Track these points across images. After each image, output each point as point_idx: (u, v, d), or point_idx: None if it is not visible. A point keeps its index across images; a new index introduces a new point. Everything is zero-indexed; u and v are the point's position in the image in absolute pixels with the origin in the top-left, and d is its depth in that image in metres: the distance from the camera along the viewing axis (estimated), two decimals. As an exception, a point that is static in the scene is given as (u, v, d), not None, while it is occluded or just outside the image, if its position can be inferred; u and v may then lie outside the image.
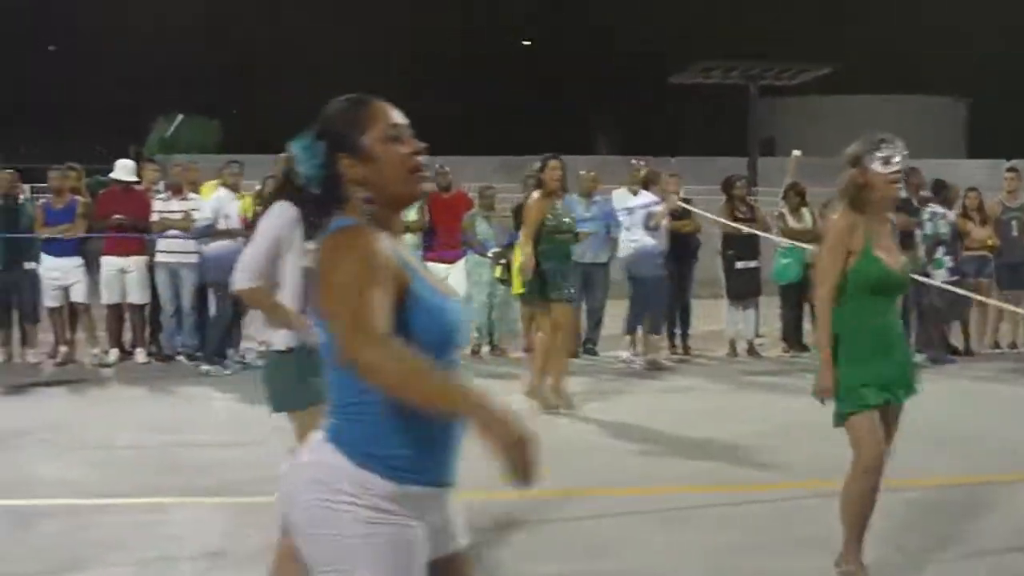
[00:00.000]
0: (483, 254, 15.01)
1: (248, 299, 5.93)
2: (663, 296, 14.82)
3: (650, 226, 14.60)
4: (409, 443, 3.28)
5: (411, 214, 15.13)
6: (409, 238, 15.15)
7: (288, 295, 5.70)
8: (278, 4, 42.91)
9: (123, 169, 15.09)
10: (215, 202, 14.18)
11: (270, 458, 9.39)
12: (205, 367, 13.95)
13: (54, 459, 9.58)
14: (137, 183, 15.21)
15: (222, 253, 13.64)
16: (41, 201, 15.54)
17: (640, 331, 14.93)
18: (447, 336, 3.38)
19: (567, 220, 12.07)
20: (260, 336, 6.01)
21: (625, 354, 14.83)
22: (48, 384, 13.48)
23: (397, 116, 3.46)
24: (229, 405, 12.18)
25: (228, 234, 13.99)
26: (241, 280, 5.77)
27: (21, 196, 15.43)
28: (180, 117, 35.98)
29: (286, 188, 5.78)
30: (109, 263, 14.72)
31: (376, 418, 3.26)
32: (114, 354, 14.81)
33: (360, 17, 43.24)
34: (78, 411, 11.86)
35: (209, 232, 14.03)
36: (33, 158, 28.44)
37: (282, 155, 15.27)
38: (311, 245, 3.30)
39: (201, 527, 7.58)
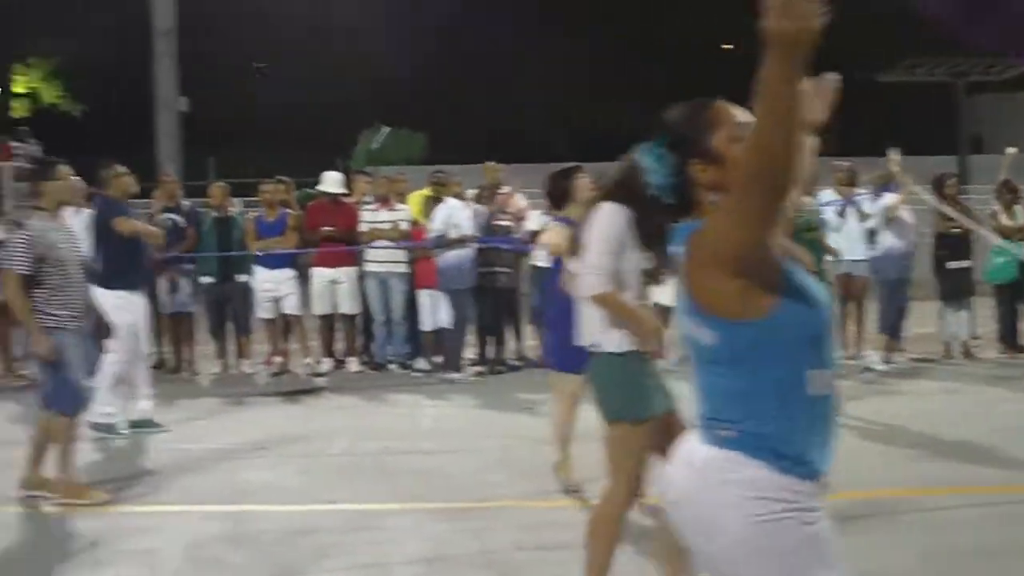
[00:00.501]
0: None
1: (601, 304, 5.70)
2: (906, 298, 14.59)
3: (888, 217, 14.41)
4: (811, 440, 3.18)
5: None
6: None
7: (630, 296, 5.67)
8: (487, 18, 43.14)
9: (331, 181, 15.31)
10: (445, 212, 14.25)
11: (483, 464, 9.53)
12: (451, 375, 14.09)
13: (271, 467, 9.74)
14: (345, 195, 15.42)
15: (455, 262, 13.93)
16: (253, 215, 15.82)
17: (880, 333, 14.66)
18: (823, 329, 3.26)
19: (809, 218, 12.01)
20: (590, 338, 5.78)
21: (876, 356, 14.47)
22: (263, 394, 13.71)
23: (740, 115, 3.37)
24: (442, 412, 12.27)
25: (460, 242, 14.11)
26: (594, 285, 5.65)
27: (233, 210, 15.76)
28: (386, 130, 36.50)
29: (618, 192, 5.72)
30: (320, 274, 14.97)
31: (786, 418, 3.16)
32: (327, 364, 15.05)
33: (571, 28, 43.29)
34: (293, 420, 12.02)
35: (441, 243, 14.12)
36: (244, 173, 29.07)
37: (490, 163, 15.65)
38: (672, 249, 3.21)
39: (416, 533, 7.59)
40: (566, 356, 7.94)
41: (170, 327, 15.35)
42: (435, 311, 14.63)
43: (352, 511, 8.15)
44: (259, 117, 43.65)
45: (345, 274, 14.88)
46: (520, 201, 15.65)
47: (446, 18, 42.19)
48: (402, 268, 14.78)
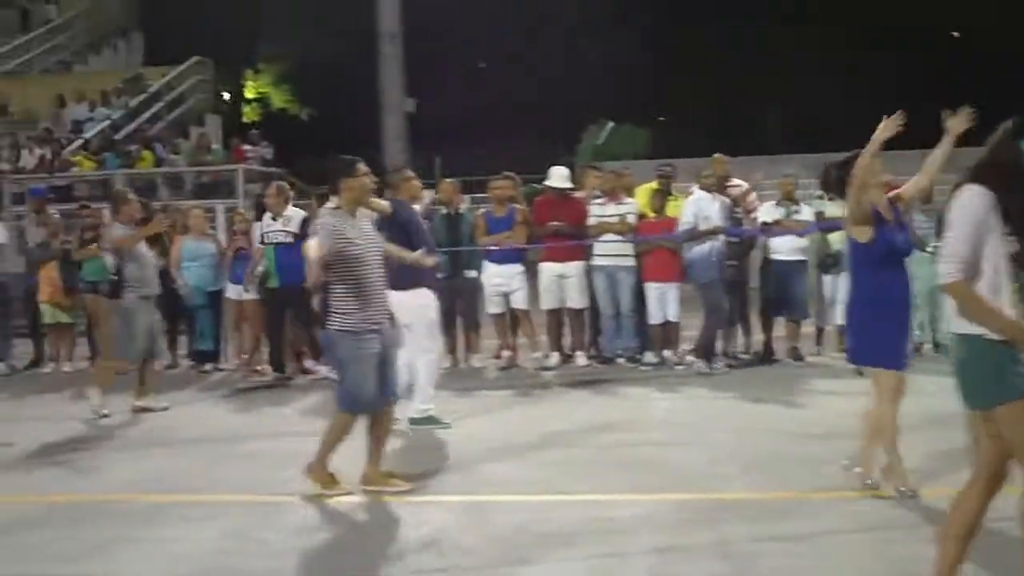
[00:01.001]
0: (922, 248, 14.56)
1: (953, 294, 5.38)
2: None
3: None
4: None
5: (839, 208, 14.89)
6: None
7: (985, 286, 5.34)
8: (708, 11, 42.87)
9: (558, 176, 15.37)
10: (694, 204, 14.22)
11: (716, 456, 9.48)
12: (701, 365, 14.08)
13: (507, 458, 9.82)
14: (572, 190, 15.48)
15: (704, 254, 13.99)
16: (481, 210, 16.00)
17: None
18: None
19: None
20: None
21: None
22: (492, 388, 13.85)
23: None
24: (672, 405, 12.26)
25: (710, 234, 14.09)
26: (948, 273, 5.32)
27: (462, 206, 15.95)
28: (611, 125, 36.55)
29: (985, 173, 5.40)
30: (548, 269, 15.05)
31: None
32: (555, 358, 15.11)
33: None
34: (523, 414, 12.13)
35: (692, 235, 14.08)
36: (469, 171, 29.43)
37: (718, 155, 15.55)
38: None
39: (650, 523, 7.58)
40: (881, 350, 7.92)
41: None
42: (663, 304, 14.60)
43: (587, 502, 8.19)
44: (483, 116, 44.12)
45: (573, 268, 14.94)
46: (751, 193, 15.53)
47: (668, 13, 42.10)
48: (630, 261, 14.77)
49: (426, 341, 11.02)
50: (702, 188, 14.43)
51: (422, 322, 10.93)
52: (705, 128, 38.78)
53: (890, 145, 7.90)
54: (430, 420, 11.13)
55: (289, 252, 14.29)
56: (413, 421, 10.96)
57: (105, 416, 12.56)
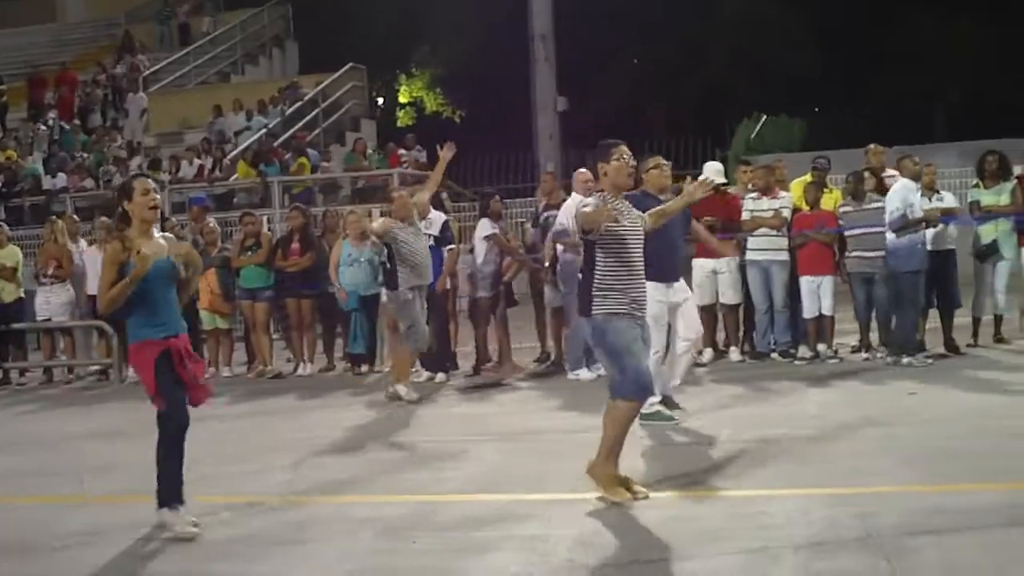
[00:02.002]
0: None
1: None
2: None
3: None
4: None
5: (1003, 197, 14.62)
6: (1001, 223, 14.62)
7: None
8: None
9: (712, 171, 15.25)
10: (901, 193, 13.99)
11: (867, 449, 9.37)
12: (907, 359, 13.82)
13: (656, 455, 9.81)
14: (725, 184, 15.37)
15: (908, 243, 13.82)
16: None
17: None
18: None
19: None
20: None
21: None
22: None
23: None
24: (825, 399, 12.15)
25: (920, 223, 13.96)
26: None
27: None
28: (764, 118, 36.22)
29: None
30: (701, 265, 14.98)
31: None
32: (708, 354, 15.03)
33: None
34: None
35: (905, 224, 13.87)
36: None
37: (873, 146, 15.37)
38: None
39: (801, 517, 7.50)
40: None
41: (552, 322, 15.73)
42: (817, 298, 14.46)
43: (736, 497, 8.14)
44: (636, 113, 44.03)
45: (726, 264, 14.84)
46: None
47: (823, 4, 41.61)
48: (783, 256, 14.64)
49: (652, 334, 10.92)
50: (907, 176, 14.27)
51: (683, 307, 11.04)
52: (864, 118, 38.23)
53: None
54: (658, 415, 10.95)
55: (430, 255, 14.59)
56: (643, 416, 10.43)
57: (416, 400, 13.41)
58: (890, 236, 13.95)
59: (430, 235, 14.88)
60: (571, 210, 14.08)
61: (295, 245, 16.74)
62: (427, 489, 9.10)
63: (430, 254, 14.18)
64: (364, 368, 16.36)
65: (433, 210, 15.25)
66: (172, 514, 7.98)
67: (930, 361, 13.83)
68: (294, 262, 16.58)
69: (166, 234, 8.40)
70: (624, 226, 8.21)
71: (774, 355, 14.82)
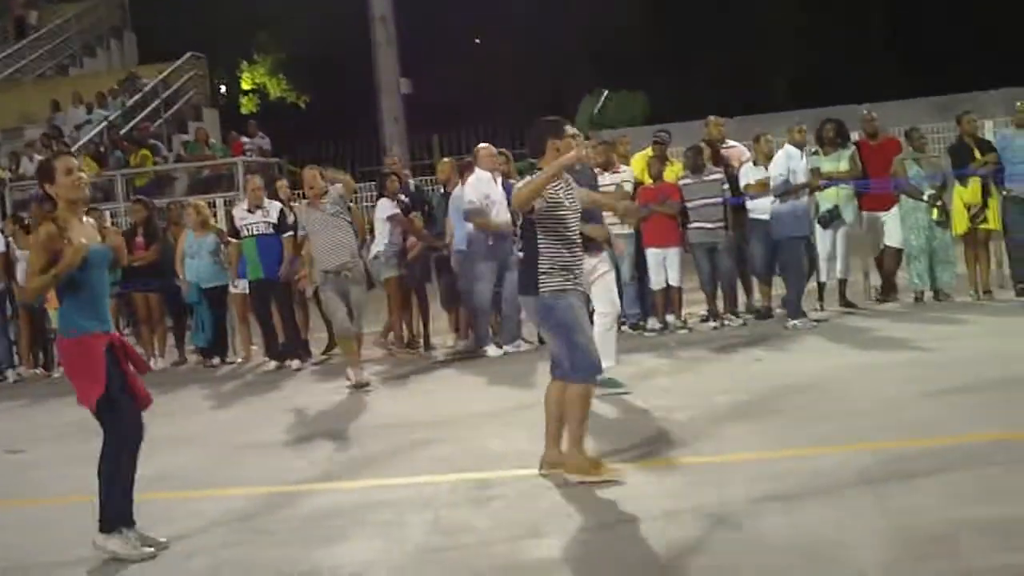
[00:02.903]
0: (918, 197, 14.71)
1: None
2: None
3: None
4: None
5: (842, 164, 14.91)
6: (842, 188, 14.92)
7: None
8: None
9: (553, 149, 15.35)
10: (784, 159, 14.27)
11: (717, 416, 9.48)
12: (791, 323, 14.07)
13: (503, 433, 9.89)
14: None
15: (791, 209, 14.13)
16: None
17: None
18: None
19: None
20: None
21: None
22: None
23: None
24: (674, 368, 12.24)
25: (802, 189, 14.28)
26: None
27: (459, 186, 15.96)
28: (606, 93, 36.45)
29: None
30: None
31: None
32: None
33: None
34: (520, 387, 12.14)
35: (787, 190, 14.13)
36: (469, 148, 29.35)
37: (712, 117, 15.61)
38: None
39: (655, 488, 7.62)
40: None
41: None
42: (664, 269, 14.64)
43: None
44: (480, 92, 44.01)
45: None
46: (743, 154, 15.58)
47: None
48: (627, 229, 14.76)
49: (600, 303, 10.90)
50: (791, 143, 14.54)
51: (599, 282, 10.90)
52: (706, 89, 38.61)
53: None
54: (610, 383, 10.75)
55: (269, 243, 14.52)
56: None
57: (365, 385, 12.99)
58: (773, 202, 14.26)
59: (268, 223, 14.87)
60: (477, 187, 14.14)
61: (139, 239, 16.50)
62: (280, 479, 9.06)
63: (333, 234, 13.25)
64: (216, 360, 16.22)
65: (267, 200, 15.23)
66: (121, 541, 7.23)
67: (814, 324, 14.05)
68: (139, 256, 16.33)
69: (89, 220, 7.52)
70: (564, 203, 8.10)
71: (624, 328, 14.94)
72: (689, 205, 14.64)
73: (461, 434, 10.07)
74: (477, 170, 14.52)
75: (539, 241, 8.08)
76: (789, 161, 14.18)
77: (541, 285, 8.04)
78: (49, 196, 7.28)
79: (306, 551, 7.09)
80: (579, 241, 8.25)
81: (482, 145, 14.88)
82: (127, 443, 7.24)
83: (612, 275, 11.20)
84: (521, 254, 8.42)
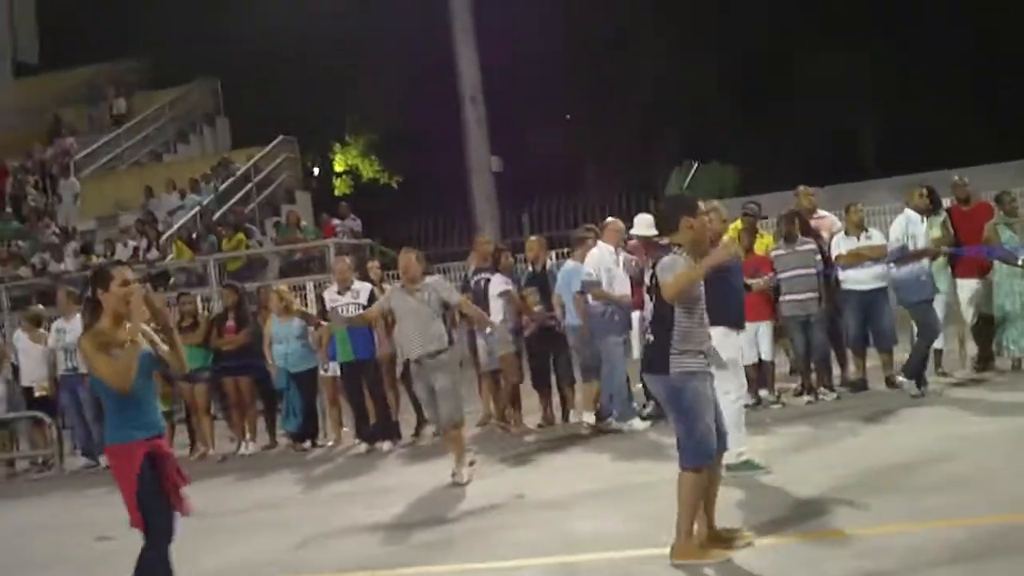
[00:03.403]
0: (1012, 262, 14.41)
1: None
2: None
3: None
4: None
5: (934, 231, 14.64)
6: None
7: None
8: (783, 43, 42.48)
9: (643, 224, 15.22)
10: (903, 223, 14.05)
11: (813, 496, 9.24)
12: (910, 386, 13.76)
13: (596, 515, 9.70)
14: (659, 236, 15.32)
15: (912, 274, 13.91)
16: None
17: None
18: None
19: None
20: None
21: None
22: (590, 448, 13.75)
23: None
24: (769, 445, 12.00)
25: (923, 255, 14.05)
26: None
27: (549, 263, 15.94)
28: (696, 165, 36.39)
29: None
30: (639, 317, 14.83)
31: None
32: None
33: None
34: (617, 467, 11.96)
35: (904, 255, 13.92)
36: (558, 224, 29.44)
37: (802, 187, 15.43)
38: None
39: (741, 571, 7.41)
40: None
41: (494, 383, 15.66)
42: (755, 343, 14.41)
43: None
44: (568, 169, 44.15)
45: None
46: (834, 224, 15.36)
47: (747, 47, 41.84)
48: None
49: (728, 382, 10.37)
50: (912, 208, 14.36)
51: (728, 360, 10.44)
52: (795, 160, 38.40)
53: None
54: (747, 465, 10.57)
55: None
56: (729, 467, 10.18)
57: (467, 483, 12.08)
58: (890, 268, 14.06)
59: (359, 304, 14.84)
60: (600, 260, 14.05)
61: (230, 323, 16.59)
62: (369, 564, 8.97)
63: (422, 323, 12.42)
64: (307, 444, 16.20)
65: (357, 281, 15.25)
66: None
67: (922, 393, 13.67)
68: (230, 340, 16.43)
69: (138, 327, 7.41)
70: (699, 285, 7.89)
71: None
72: (781, 276, 14.43)
73: (550, 516, 9.92)
74: (600, 243, 14.43)
75: (675, 319, 7.86)
76: (909, 226, 13.96)
77: (673, 365, 7.87)
78: (98, 302, 7.28)
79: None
80: (706, 319, 8.06)
81: (610, 219, 14.83)
82: (163, 549, 7.26)
83: (737, 351, 10.85)
84: (651, 331, 8.18)
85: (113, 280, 7.20)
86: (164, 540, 7.24)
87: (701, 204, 8.21)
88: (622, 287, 14.04)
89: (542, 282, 15.33)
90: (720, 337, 9.93)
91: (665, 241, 8.10)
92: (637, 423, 14.18)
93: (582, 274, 14.34)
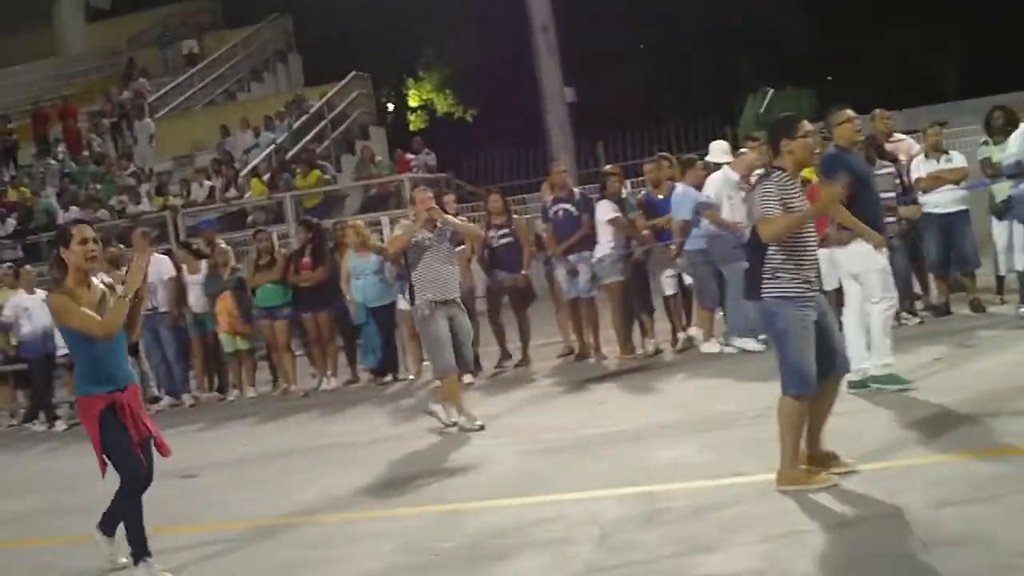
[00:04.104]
0: None
1: None
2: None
3: None
4: None
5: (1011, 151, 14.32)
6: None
7: None
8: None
9: (718, 151, 15.13)
10: (1020, 138, 13.47)
11: (887, 423, 9.13)
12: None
13: (676, 444, 9.69)
14: (730, 163, 15.19)
15: None
16: (642, 193, 15.86)
17: None
18: None
19: None
20: None
21: None
22: (668, 371, 13.83)
23: None
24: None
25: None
26: None
27: (624, 191, 15.82)
28: (771, 91, 35.89)
29: None
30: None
31: None
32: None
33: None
34: (700, 395, 11.94)
35: (1018, 170, 13.39)
36: (633, 154, 29.15)
37: (878, 111, 15.14)
38: None
39: (828, 498, 7.35)
40: None
41: (573, 313, 15.58)
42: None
43: (761, 482, 7.92)
44: (643, 97, 43.82)
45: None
46: (912, 147, 15.10)
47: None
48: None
49: (878, 291, 10.37)
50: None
51: (872, 270, 10.36)
52: (874, 83, 37.88)
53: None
54: (891, 379, 10.40)
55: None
56: (874, 379, 10.24)
57: (452, 425, 12.00)
58: (1014, 186, 13.57)
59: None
60: (722, 186, 14.01)
61: (306, 260, 16.62)
62: (448, 499, 8.99)
63: (453, 263, 12.48)
64: (388, 379, 16.24)
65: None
66: (144, 569, 7.60)
67: None
68: (307, 276, 16.47)
69: (103, 277, 7.85)
70: (798, 209, 7.73)
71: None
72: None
73: (629, 446, 9.89)
74: (725, 168, 14.28)
75: (769, 245, 7.75)
76: None
77: (764, 290, 7.78)
78: (62, 260, 7.53)
79: (474, 571, 7.03)
80: (813, 243, 7.88)
81: (743, 148, 14.73)
82: (130, 489, 7.61)
83: (885, 261, 10.54)
84: (747, 257, 8.13)
85: (73, 238, 7.48)
86: (133, 485, 7.57)
87: (805, 124, 7.96)
88: (739, 216, 13.74)
89: (620, 211, 15.21)
90: (867, 249, 9.90)
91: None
92: (751, 343, 13.90)
93: (698, 197, 14.24)
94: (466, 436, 11.53)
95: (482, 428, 11.78)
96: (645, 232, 15.06)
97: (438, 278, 12.11)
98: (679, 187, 14.71)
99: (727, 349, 14.18)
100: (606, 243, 14.82)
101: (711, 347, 14.31)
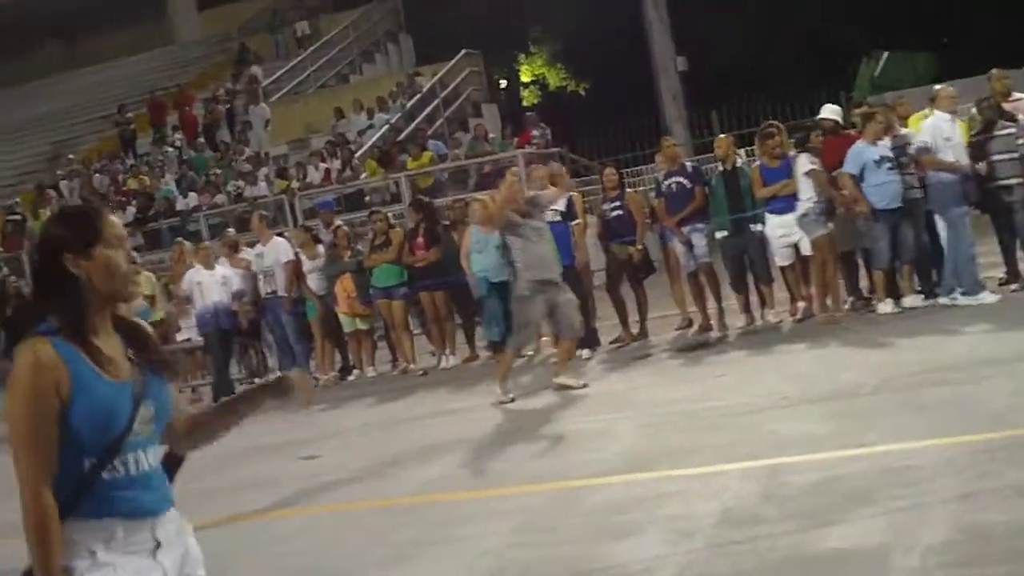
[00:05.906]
0: None
1: None
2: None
3: None
4: None
5: None
6: None
7: None
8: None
9: (830, 111, 14.99)
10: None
11: (1019, 388, 8.95)
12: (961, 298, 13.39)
13: (798, 416, 9.57)
14: (848, 126, 14.99)
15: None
16: (756, 163, 15.68)
17: None
18: None
19: None
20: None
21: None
22: (790, 342, 13.64)
23: None
24: (975, 339, 11.64)
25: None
26: None
27: (739, 160, 15.68)
28: (885, 55, 35.36)
29: None
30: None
31: None
32: (850, 304, 14.67)
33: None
34: (819, 366, 11.80)
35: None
36: (748, 122, 28.85)
37: (996, 71, 14.81)
38: None
39: (950, 469, 7.20)
40: None
41: (693, 285, 15.46)
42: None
43: (882, 452, 7.83)
44: (756, 64, 43.40)
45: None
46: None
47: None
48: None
49: None
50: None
51: None
52: (993, 42, 37.08)
53: None
54: None
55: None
56: None
57: (510, 401, 12.75)
58: None
59: (557, 211, 14.73)
60: (936, 129, 13.77)
61: (419, 239, 16.69)
62: (567, 475, 8.97)
63: (550, 246, 13.24)
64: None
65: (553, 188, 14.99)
66: None
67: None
68: (421, 257, 16.54)
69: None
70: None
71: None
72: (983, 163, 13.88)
73: (751, 418, 9.80)
74: (936, 112, 13.99)
75: None
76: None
77: None
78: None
79: (594, 547, 7.01)
80: None
81: (940, 87, 14.42)
82: None
83: None
84: None
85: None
86: None
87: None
88: (958, 156, 13.61)
89: (732, 180, 15.06)
90: None
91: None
92: (987, 296, 13.51)
93: (917, 141, 13.95)
94: (586, 409, 11.52)
95: (513, 400, 12.64)
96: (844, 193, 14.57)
97: (538, 260, 12.64)
98: (858, 143, 14.22)
99: (945, 300, 13.76)
100: (806, 198, 14.24)
101: (886, 307, 13.99)
